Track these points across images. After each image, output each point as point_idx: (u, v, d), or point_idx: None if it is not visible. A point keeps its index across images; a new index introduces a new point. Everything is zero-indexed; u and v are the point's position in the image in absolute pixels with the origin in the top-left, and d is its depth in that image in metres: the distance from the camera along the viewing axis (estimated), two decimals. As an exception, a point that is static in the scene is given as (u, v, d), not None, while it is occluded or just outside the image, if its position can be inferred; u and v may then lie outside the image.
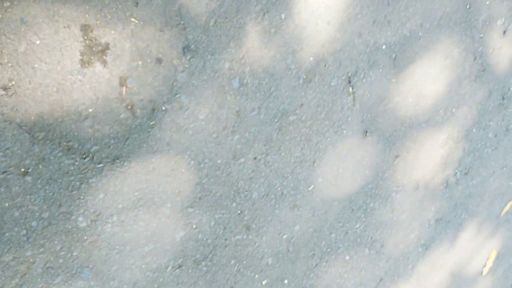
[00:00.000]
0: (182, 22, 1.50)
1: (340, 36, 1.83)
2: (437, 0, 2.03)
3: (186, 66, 1.56)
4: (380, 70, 2.00)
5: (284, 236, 2.09)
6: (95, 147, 1.49)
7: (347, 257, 2.38)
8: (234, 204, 1.88)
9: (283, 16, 1.68)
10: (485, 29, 2.28)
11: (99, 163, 1.52)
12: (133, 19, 1.41)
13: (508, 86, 2.57)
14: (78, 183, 1.51)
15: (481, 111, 2.52)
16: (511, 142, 2.81)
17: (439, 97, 2.28)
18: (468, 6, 2.15)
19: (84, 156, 1.48)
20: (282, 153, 1.92)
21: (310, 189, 2.07)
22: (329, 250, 2.28)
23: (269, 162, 1.90)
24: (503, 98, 2.59)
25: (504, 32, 2.37)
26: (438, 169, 2.51)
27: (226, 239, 1.92)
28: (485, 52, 2.35)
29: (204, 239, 1.86)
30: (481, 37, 2.28)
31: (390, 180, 2.34)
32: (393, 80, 2.06)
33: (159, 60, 1.50)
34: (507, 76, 2.53)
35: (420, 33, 2.05)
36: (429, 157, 2.43)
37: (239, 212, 1.91)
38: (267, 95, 1.77)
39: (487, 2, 2.22)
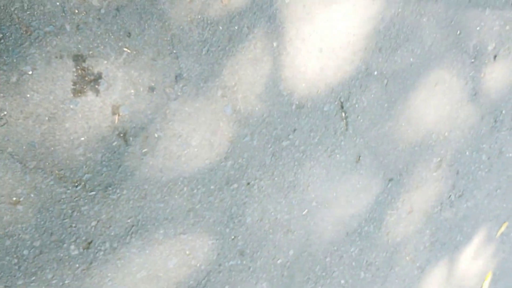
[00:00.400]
0: (174, 51, 1.51)
1: (331, 62, 1.85)
2: (428, 27, 2.06)
3: (179, 94, 1.57)
4: (372, 96, 2.02)
5: (279, 261, 2.08)
6: (87, 175, 1.49)
7: (342, 281, 2.37)
8: (227, 230, 1.88)
9: (275, 44, 1.70)
10: (476, 54, 2.31)
11: (91, 191, 1.52)
12: (125, 49, 1.42)
13: (500, 109, 2.59)
14: (70, 211, 1.50)
15: (474, 134, 2.53)
16: (504, 164, 2.82)
17: (432, 121, 2.30)
18: (458, 32, 2.18)
19: (76, 184, 1.48)
20: (276, 178, 1.92)
21: (304, 213, 2.07)
22: (324, 274, 2.27)
23: (262, 187, 1.90)
24: (495, 121, 2.61)
25: (495, 57, 2.40)
26: (432, 192, 2.51)
27: (220, 265, 1.91)
28: (476, 76, 2.37)
29: (198, 265, 1.85)
30: (472, 62, 2.31)
31: (384, 204, 2.34)
32: (385, 105, 2.08)
33: (151, 89, 1.51)
34: (498, 99, 2.55)
35: (411, 59, 2.07)
36: (423, 180, 2.44)
37: (233, 237, 1.90)
38: (260, 121, 1.78)
39: (478, 28, 2.25)
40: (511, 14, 2.36)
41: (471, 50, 2.27)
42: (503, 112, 2.62)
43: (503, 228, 3.11)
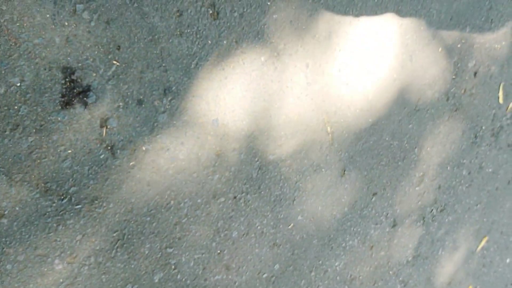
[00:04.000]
0: (163, 65, 1.52)
1: (318, 78, 1.88)
2: (410, 44, 2.11)
3: (167, 107, 1.57)
4: (358, 111, 2.05)
5: (264, 275, 2.08)
6: (73, 188, 1.48)
7: (327, 296, 2.37)
8: (213, 244, 1.87)
9: (262, 59, 1.72)
10: (457, 71, 2.37)
11: (77, 204, 1.50)
12: (114, 62, 1.42)
13: (480, 125, 2.65)
14: (55, 225, 1.48)
15: (455, 149, 2.59)
16: (484, 179, 2.88)
17: (414, 136, 2.34)
18: (440, 49, 2.24)
19: (62, 197, 1.46)
20: (262, 192, 1.93)
21: (290, 227, 2.07)
22: (308, 289, 2.27)
23: (249, 201, 1.90)
24: (475, 137, 2.67)
25: (475, 73, 2.47)
26: (414, 206, 2.55)
27: (205, 280, 1.90)
28: (457, 92, 2.43)
29: (183, 279, 1.83)
30: (453, 78, 2.37)
31: (368, 218, 2.36)
32: (370, 120, 2.11)
33: (140, 102, 1.51)
34: (478, 115, 2.62)
35: (395, 75, 2.11)
36: (406, 195, 2.47)
37: (218, 251, 1.90)
38: (247, 135, 1.79)
39: (458, 45, 2.31)
40: (490, 33, 2.44)
41: (452, 66, 2.33)
42: (483, 127, 2.68)
43: (483, 243, 3.15)
